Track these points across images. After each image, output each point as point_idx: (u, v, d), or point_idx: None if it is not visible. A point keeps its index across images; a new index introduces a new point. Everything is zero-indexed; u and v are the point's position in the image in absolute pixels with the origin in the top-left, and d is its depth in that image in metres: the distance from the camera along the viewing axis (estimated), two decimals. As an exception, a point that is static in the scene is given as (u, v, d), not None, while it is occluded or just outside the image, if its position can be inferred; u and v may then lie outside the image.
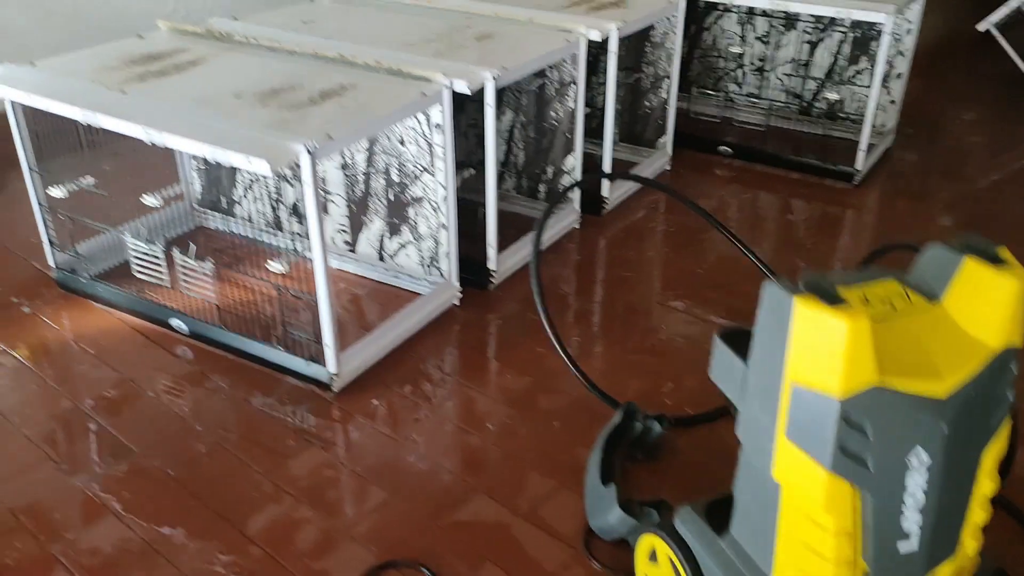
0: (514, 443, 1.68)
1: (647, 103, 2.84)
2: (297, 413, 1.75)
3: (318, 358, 1.80)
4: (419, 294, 2.13)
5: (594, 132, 2.64)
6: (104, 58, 2.03)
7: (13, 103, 1.89)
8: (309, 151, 1.56)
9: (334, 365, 1.78)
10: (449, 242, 2.06)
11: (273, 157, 1.52)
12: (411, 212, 2.09)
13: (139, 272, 2.02)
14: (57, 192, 1.97)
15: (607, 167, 2.56)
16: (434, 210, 2.04)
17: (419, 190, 2.04)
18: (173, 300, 2.00)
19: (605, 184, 2.56)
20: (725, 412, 1.72)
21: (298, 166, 1.57)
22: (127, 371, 1.87)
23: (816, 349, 0.94)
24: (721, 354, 1.13)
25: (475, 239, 2.14)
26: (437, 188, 2.01)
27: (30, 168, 2.01)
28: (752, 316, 1.03)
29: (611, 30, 2.30)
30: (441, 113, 1.89)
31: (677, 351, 1.97)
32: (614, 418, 1.60)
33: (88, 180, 1.98)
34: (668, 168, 2.89)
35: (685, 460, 1.64)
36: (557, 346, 1.79)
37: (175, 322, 1.99)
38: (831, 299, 0.94)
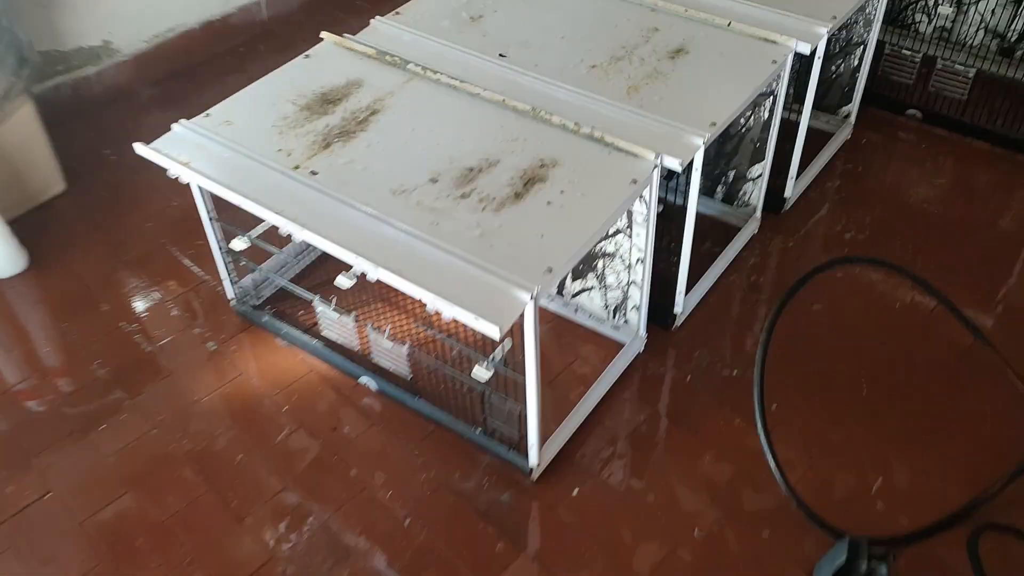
0: (724, 559, 1.68)
1: (833, 67, 2.57)
2: (500, 509, 1.76)
3: (519, 448, 1.79)
4: (599, 333, 2.07)
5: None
6: (279, 101, 1.89)
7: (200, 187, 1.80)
8: (533, 298, 1.47)
9: (535, 457, 1.77)
10: (641, 300, 1.96)
11: (499, 314, 1.43)
12: (599, 264, 1.98)
13: (328, 333, 1.99)
14: (239, 244, 1.91)
15: (791, 183, 2.35)
16: (626, 268, 1.93)
17: (611, 246, 1.92)
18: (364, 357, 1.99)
19: (789, 182, 2.37)
20: (945, 525, 1.68)
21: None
22: (323, 438, 1.89)
23: None
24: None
25: (659, 276, 2.02)
26: (632, 249, 1.89)
27: (210, 218, 1.95)
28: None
29: (821, 37, 2.03)
30: (649, 191, 1.74)
31: (887, 425, 1.89)
32: (836, 555, 1.57)
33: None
34: (849, 137, 2.65)
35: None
36: (774, 469, 1.73)
37: (364, 380, 1.98)
38: None
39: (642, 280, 1.92)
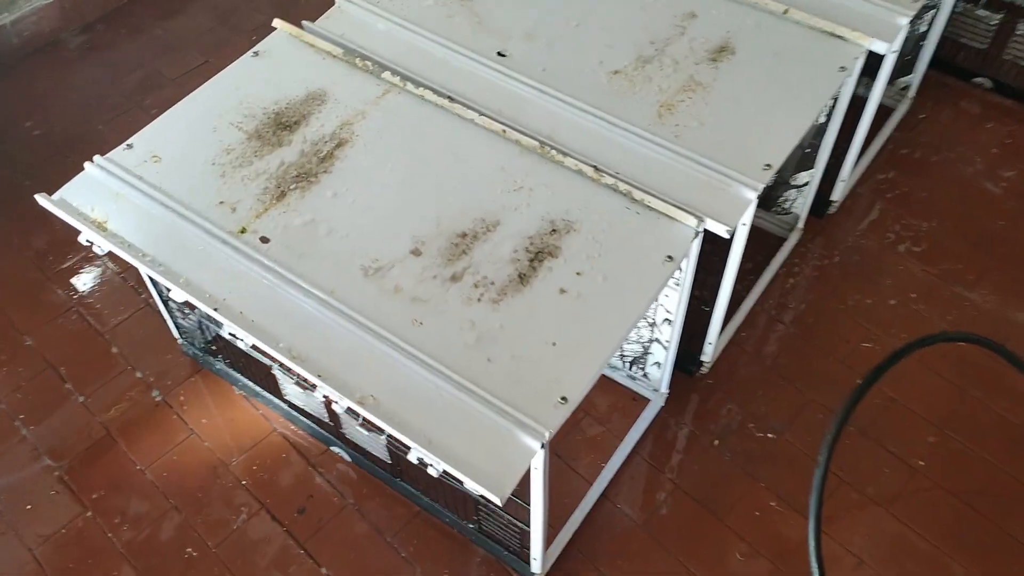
0: None
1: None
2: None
3: (519, 554, 1.52)
4: (612, 380, 1.77)
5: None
6: (221, 124, 1.49)
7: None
8: (544, 446, 1.15)
9: (539, 566, 1.50)
10: (666, 360, 1.64)
11: (499, 471, 1.12)
12: (618, 317, 1.65)
13: (293, 400, 1.67)
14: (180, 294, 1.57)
15: (840, 187, 1.98)
16: (650, 326, 1.61)
17: (633, 302, 1.58)
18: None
19: (839, 185, 2.00)
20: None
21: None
22: (288, 523, 1.61)
23: None
24: None
25: (686, 320, 1.70)
26: (659, 309, 1.56)
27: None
28: None
29: (900, 30, 1.63)
30: (686, 261, 1.40)
31: (981, 551, 1.62)
32: None
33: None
34: (906, 112, 2.26)
35: None
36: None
37: (336, 449, 1.69)
38: None
39: (669, 341, 1.59)
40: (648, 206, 1.37)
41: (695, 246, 1.36)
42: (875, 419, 1.72)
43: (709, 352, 1.74)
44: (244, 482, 1.66)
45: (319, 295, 1.28)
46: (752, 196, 1.39)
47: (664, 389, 1.72)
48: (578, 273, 1.31)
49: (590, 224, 1.37)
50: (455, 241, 1.35)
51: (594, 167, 1.42)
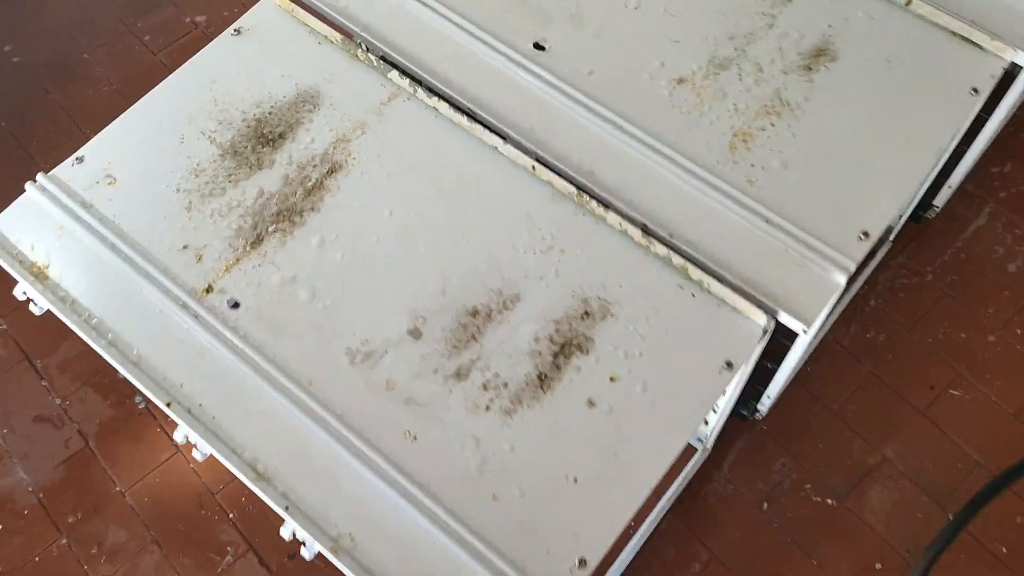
0: None
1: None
2: None
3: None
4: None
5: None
6: (190, 132, 1.22)
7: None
8: (552, 615, 0.94)
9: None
10: (717, 421, 1.40)
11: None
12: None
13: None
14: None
15: (946, 191, 1.64)
16: (699, 388, 1.36)
17: (680, 362, 1.33)
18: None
19: (944, 190, 1.67)
20: None
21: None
22: (276, 569, 1.46)
23: None
24: None
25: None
26: (711, 378, 1.30)
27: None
28: None
29: (1055, 35, 1.26)
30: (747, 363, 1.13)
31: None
32: None
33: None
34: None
35: None
36: None
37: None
38: None
39: (718, 415, 1.35)
40: (707, 289, 1.09)
41: (760, 347, 1.09)
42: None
43: (767, 404, 1.49)
44: (231, 515, 1.50)
45: (294, 391, 1.05)
46: (841, 279, 1.10)
47: (710, 445, 1.49)
48: (612, 379, 1.05)
49: (632, 307, 1.10)
50: (463, 321, 1.09)
51: (643, 227, 1.13)
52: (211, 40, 1.30)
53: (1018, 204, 1.73)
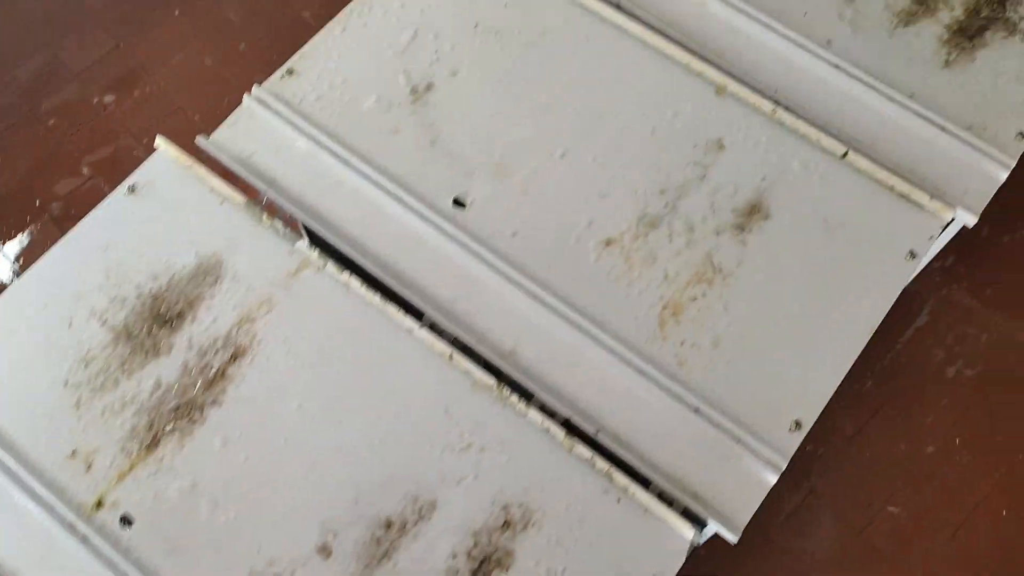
0: None
1: None
2: None
3: None
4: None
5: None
6: (79, 311, 1.13)
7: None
8: None
9: None
10: None
11: None
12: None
13: None
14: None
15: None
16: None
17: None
18: None
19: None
20: None
21: None
22: None
23: None
24: None
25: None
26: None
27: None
28: None
29: (995, 185, 1.22)
30: None
31: None
32: None
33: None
34: None
35: None
36: None
37: None
38: None
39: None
40: (632, 496, 1.04)
41: (682, 557, 1.04)
42: None
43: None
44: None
45: (192, 626, 0.98)
46: (772, 478, 1.05)
47: None
48: (567, 594, 1.00)
49: (554, 515, 1.04)
50: (377, 534, 1.03)
51: (566, 422, 1.07)
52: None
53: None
